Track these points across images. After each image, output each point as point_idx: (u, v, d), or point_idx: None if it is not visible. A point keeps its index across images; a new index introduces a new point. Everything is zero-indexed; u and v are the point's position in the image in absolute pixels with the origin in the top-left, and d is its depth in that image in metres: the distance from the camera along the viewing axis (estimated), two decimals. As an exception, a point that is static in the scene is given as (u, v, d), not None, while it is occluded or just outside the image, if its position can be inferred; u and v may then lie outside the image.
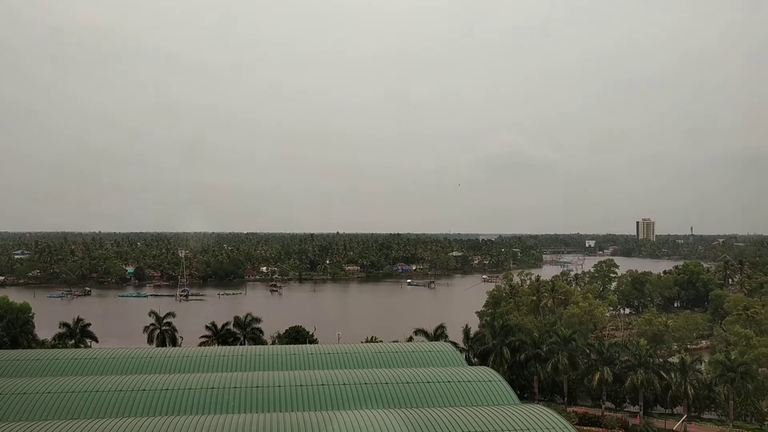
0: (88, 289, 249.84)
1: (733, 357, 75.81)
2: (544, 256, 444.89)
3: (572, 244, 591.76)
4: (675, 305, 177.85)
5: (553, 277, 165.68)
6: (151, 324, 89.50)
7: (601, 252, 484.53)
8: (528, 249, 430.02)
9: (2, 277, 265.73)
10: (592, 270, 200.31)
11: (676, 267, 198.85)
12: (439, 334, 79.60)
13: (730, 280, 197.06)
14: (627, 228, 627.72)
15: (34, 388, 33.38)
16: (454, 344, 69.14)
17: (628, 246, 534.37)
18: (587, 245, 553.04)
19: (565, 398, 78.96)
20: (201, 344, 77.84)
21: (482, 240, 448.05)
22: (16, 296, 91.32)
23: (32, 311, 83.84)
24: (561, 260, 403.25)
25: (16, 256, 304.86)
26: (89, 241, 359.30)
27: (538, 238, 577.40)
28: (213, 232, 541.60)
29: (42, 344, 79.74)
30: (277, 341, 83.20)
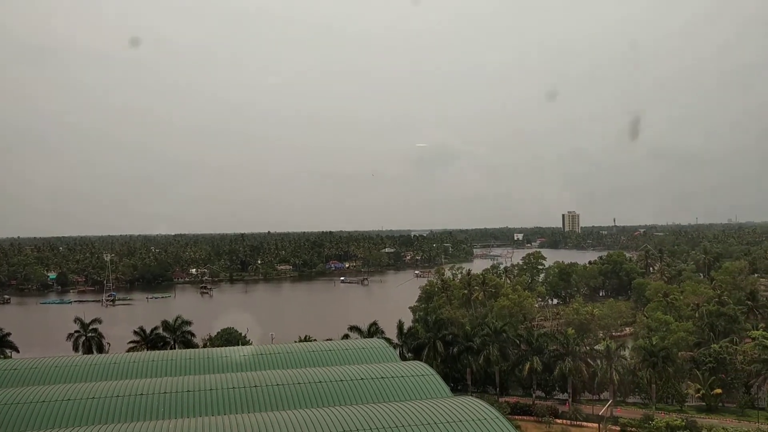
0: (6, 297, 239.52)
1: (654, 342, 79.17)
2: (474, 250, 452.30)
3: (501, 237, 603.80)
4: (600, 294, 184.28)
5: (483, 270, 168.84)
6: (76, 331, 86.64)
7: (529, 245, 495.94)
8: (459, 243, 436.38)
9: None
10: (520, 263, 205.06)
11: (601, 257, 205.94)
12: (373, 331, 79.97)
13: (651, 268, 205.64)
14: (553, 221, 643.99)
15: (-51, 403, 31.84)
16: (388, 340, 69.67)
17: (554, 238, 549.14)
18: (516, 238, 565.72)
19: (497, 389, 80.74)
20: (129, 350, 75.87)
21: (414, 236, 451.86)
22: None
23: (-55, 322, 79.75)
24: (491, 254, 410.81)
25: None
26: (7, 246, 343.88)
27: (468, 232, 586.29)
28: (139, 235, 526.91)
29: (-42, 357, 75.87)
30: (208, 344, 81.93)
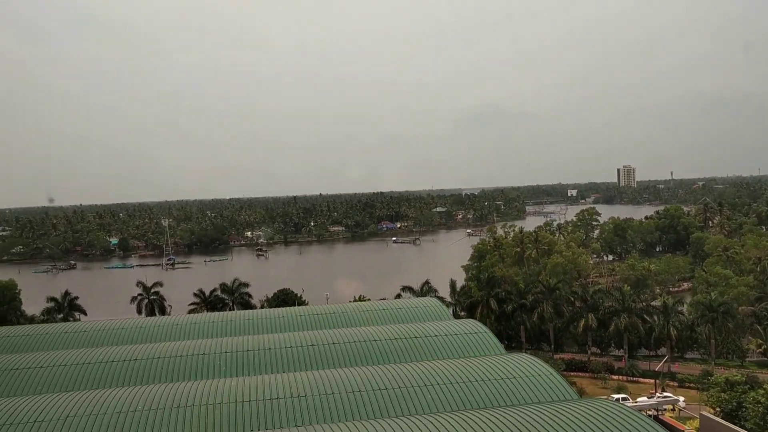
0: (72, 262, 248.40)
1: (713, 297, 77.57)
2: (527, 207, 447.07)
3: (554, 194, 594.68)
4: (657, 250, 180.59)
5: (536, 227, 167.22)
6: (139, 294, 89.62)
7: (583, 201, 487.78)
8: (511, 201, 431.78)
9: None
10: (574, 219, 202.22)
11: (657, 212, 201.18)
12: (426, 290, 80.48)
13: (710, 222, 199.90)
14: (608, 176, 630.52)
15: (25, 363, 33.59)
16: (441, 299, 70.00)
17: (609, 193, 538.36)
18: (569, 195, 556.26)
19: (552, 346, 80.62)
20: (190, 312, 78.22)
21: (465, 194, 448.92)
22: (0, 274, 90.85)
23: (18, 288, 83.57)
24: (544, 211, 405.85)
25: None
26: (70, 214, 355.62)
27: (520, 189, 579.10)
28: (195, 200, 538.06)
29: (31, 320, 79.68)
30: (265, 305, 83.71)
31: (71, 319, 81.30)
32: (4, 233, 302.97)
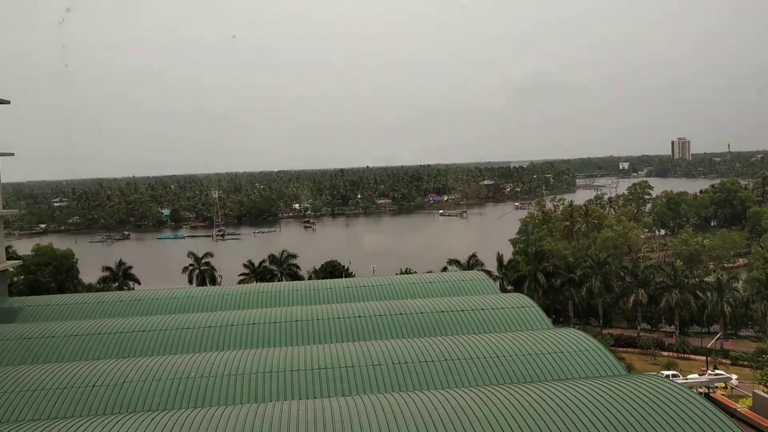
0: (126, 233, 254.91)
1: (770, 274, 75.34)
2: (577, 180, 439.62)
3: (606, 167, 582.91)
4: (712, 225, 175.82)
5: (586, 201, 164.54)
6: (191, 264, 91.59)
7: (635, 174, 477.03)
8: (560, 174, 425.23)
9: (44, 225, 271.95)
10: (626, 192, 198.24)
11: (713, 186, 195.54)
12: (473, 263, 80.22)
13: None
14: (662, 148, 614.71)
15: (83, 330, 34.80)
16: (488, 273, 69.72)
17: (663, 166, 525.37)
18: (621, 167, 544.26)
19: (600, 321, 79.71)
20: (239, 282, 79.68)
21: (513, 167, 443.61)
22: (58, 243, 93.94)
23: (75, 257, 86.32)
24: (594, 184, 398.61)
25: (55, 204, 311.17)
26: (124, 186, 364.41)
27: (570, 162, 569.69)
28: (244, 172, 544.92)
29: (88, 288, 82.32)
30: (313, 276, 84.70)
31: (125, 287, 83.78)
32: (61, 204, 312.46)
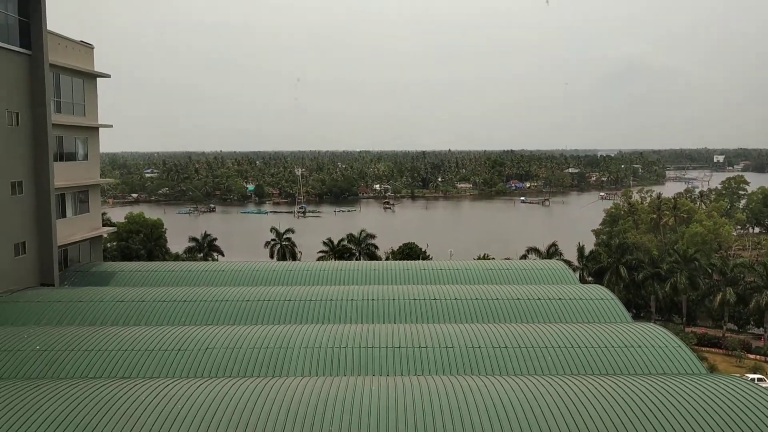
0: (212, 206, 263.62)
1: None
2: (667, 172, 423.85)
3: (699, 159, 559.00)
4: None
5: (675, 194, 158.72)
6: (272, 239, 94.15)
7: (730, 168, 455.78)
8: (650, 165, 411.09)
9: (136, 195, 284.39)
10: (719, 187, 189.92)
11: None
12: (553, 252, 79.11)
13: None
14: (762, 141, 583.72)
15: (171, 296, 36.50)
16: (568, 263, 68.56)
17: (762, 161, 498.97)
18: (715, 161, 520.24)
19: (684, 319, 77.22)
20: (319, 259, 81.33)
21: (600, 156, 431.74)
22: (148, 212, 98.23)
23: (164, 227, 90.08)
24: (685, 177, 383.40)
25: (146, 175, 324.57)
26: (212, 160, 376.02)
27: (661, 153, 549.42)
28: (327, 150, 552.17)
29: (175, 257, 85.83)
30: (390, 257, 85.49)
31: (210, 258, 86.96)
32: (152, 175, 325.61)
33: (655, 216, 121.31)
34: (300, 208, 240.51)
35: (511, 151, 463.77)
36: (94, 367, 26.88)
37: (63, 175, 45.01)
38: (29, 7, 39.62)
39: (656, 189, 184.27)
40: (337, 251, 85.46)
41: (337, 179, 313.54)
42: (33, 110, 40.34)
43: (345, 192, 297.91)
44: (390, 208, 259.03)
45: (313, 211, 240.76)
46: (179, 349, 27.77)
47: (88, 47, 50.09)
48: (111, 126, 53.87)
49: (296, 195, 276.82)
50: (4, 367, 26.81)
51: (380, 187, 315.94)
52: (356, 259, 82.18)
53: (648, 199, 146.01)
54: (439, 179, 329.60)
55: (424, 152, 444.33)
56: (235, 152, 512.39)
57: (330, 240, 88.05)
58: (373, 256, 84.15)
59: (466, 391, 21.46)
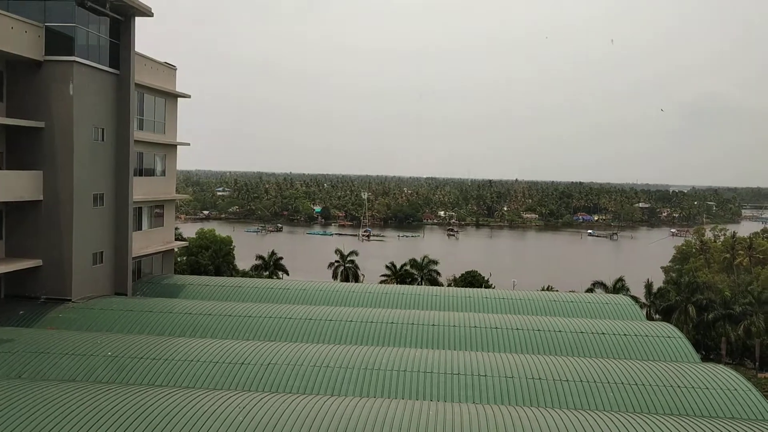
0: (279, 225, 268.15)
1: None
2: (743, 211, 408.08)
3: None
4: None
5: (751, 233, 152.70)
6: (336, 261, 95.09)
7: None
8: (725, 203, 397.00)
9: (207, 212, 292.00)
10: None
11: None
12: (619, 287, 77.27)
13: None
14: None
15: (237, 311, 37.46)
16: (635, 299, 66.85)
17: None
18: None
19: (757, 363, 73.87)
20: (381, 282, 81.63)
21: (673, 191, 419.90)
22: (218, 229, 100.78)
23: (233, 244, 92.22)
24: (763, 216, 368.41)
25: (218, 193, 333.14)
26: (281, 180, 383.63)
27: (737, 191, 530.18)
28: (393, 176, 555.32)
29: (242, 274, 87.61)
30: (452, 284, 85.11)
31: (275, 276, 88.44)
32: (223, 193, 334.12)
33: (728, 255, 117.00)
34: (365, 231, 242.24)
35: (580, 182, 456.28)
36: (161, 375, 27.84)
37: (141, 190, 46.98)
38: (120, 30, 41.89)
39: (731, 227, 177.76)
40: (399, 275, 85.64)
41: (402, 204, 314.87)
42: (117, 127, 42.41)
43: (409, 217, 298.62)
44: (454, 235, 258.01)
45: (377, 235, 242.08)
46: (242, 363, 28.48)
47: (171, 68, 52.39)
48: (188, 144, 55.97)
49: (361, 218, 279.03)
50: (79, 370, 28.07)
51: (445, 213, 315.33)
52: (418, 285, 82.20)
53: (722, 238, 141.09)
54: (505, 208, 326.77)
55: (490, 181, 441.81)
56: (303, 174, 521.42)
57: (393, 264, 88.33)
58: (434, 282, 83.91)
59: (524, 422, 21.28)
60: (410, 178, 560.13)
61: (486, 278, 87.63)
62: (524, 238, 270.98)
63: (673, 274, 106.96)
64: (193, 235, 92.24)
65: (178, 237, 72.04)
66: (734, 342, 74.17)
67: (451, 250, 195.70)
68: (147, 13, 42.55)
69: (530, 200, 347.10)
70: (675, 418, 22.51)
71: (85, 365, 28.44)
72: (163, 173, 52.38)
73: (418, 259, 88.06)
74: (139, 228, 48.22)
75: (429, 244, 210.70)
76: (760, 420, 24.07)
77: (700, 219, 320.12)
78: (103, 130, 41.13)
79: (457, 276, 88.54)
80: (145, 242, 48.83)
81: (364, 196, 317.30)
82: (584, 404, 25.93)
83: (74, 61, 37.68)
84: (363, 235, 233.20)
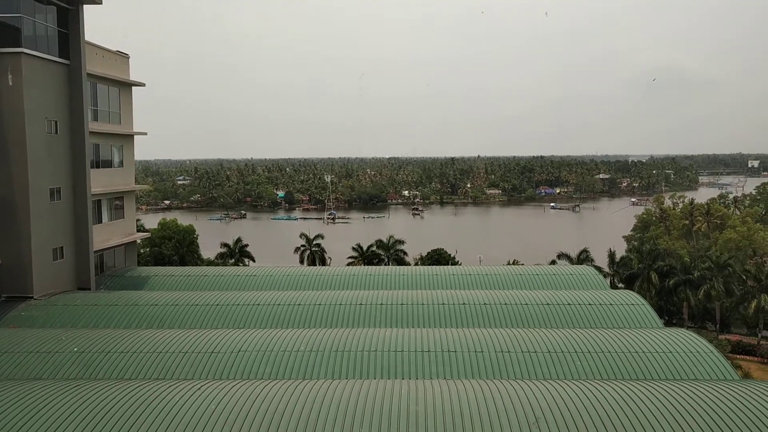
0: (243, 212, 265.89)
1: None
2: (700, 178, 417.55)
3: (733, 164, 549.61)
4: None
5: (709, 199, 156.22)
6: (302, 245, 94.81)
7: (766, 173, 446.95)
8: (682, 170, 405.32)
9: (168, 201, 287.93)
10: (753, 192, 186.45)
11: None
12: (583, 258, 78.58)
13: None
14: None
15: (203, 300, 37.14)
16: (599, 269, 68.05)
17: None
18: (750, 166, 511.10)
19: (717, 326, 76.02)
20: (348, 264, 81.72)
21: (632, 161, 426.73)
22: (181, 219, 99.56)
23: (196, 233, 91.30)
24: (719, 182, 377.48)
25: (178, 182, 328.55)
26: (242, 167, 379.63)
27: (694, 158, 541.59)
28: (356, 158, 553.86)
29: (207, 262, 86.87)
30: (419, 263, 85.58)
31: (241, 264, 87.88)
32: (185, 182, 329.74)
33: (687, 222, 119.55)
34: (329, 214, 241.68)
35: (541, 156, 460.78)
36: (129, 369, 27.53)
37: (99, 182, 46.07)
38: (68, 19, 40.75)
39: (689, 195, 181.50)
40: (366, 257, 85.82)
41: (366, 186, 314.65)
42: (71, 118, 41.42)
43: (374, 198, 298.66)
44: (419, 214, 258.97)
45: (342, 218, 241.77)
46: (212, 352, 28.30)
47: (124, 57, 51.23)
48: (146, 134, 54.96)
49: (326, 201, 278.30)
50: (44, 369, 27.59)
51: (409, 193, 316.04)
52: (385, 265, 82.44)
53: (680, 205, 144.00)
54: (468, 185, 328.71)
55: (452, 158, 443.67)
56: (265, 159, 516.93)
57: (359, 246, 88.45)
58: (401, 262, 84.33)
59: (495, 395, 21.57)
60: (372, 159, 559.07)
61: (452, 255, 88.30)
62: (488, 213, 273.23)
63: (635, 243, 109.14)
64: (156, 226, 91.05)
65: (140, 228, 70.98)
66: (695, 306, 76.16)
67: (417, 229, 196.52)
68: (95, 0, 41.44)
69: (493, 176, 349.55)
70: (641, 383, 23.05)
71: (50, 363, 27.96)
72: (121, 164, 51.41)
73: (385, 240, 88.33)
74: (99, 221, 47.35)
75: (395, 224, 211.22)
76: (722, 380, 24.77)
77: (659, 187, 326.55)
78: (56, 122, 40.14)
79: (424, 254, 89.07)
80: (106, 235, 48.00)
81: (328, 179, 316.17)
82: (552, 374, 26.40)
83: (21, 52, 36.61)
84: (328, 218, 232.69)
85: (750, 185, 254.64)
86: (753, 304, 71.29)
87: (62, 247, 40.96)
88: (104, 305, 37.00)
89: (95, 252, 44.28)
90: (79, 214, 42.15)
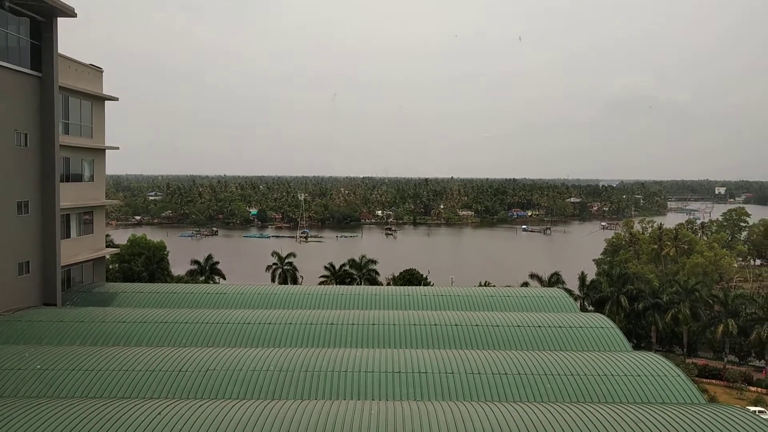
0: (215, 229, 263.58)
1: None
2: (668, 203, 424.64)
3: (700, 191, 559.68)
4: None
5: (677, 225, 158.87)
6: (274, 263, 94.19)
7: (732, 200, 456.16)
8: (651, 195, 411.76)
9: (139, 217, 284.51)
10: (720, 218, 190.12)
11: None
12: (554, 281, 79.17)
13: None
14: (763, 174, 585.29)
15: (173, 318, 36.62)
16: (569, 291, 68.59)
17: (763, 193, 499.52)
18: (717, 192, 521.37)
19: (685, 350, 76.98)
20: (320, 284, 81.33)
21: (602, 186, 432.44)
22: (151, 235, 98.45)
23: (167, 249, 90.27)
24: (687, 208, 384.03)
25: (150, 198, 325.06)
26: (215, 183, 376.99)
27: (662, 184, 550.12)
28: (330, 176, 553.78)
29: (177, 279, 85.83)
30: (391, 283, 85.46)
31: (211, 281, 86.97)
32: (156, 198, 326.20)
33: (656, 246, 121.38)
34: (302, 232, 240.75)
35: (513, 179, 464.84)
36: (95, 387, 26.96)
37: (69, 196, 45.40)
38: (41, 31, 40.35)
39: (658, 219, 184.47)
40: (338, 276, 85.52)
41: (340, 205, 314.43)
42: (42, 131, 40.85)
43: (347, 218, 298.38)
44: (392, 234, 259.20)
45: (315, 236, 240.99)
46: (180, 371, 27.86)
47: (98, 70, 50.81)
48: (118, 148, 54.37)
49: (299, 220, 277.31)
50: (5, 386, 26.89)
51: (382, 213, 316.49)
52: (357, 284, 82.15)
53: (649, 230, 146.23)
54: (441, 206, 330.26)
55: (426, 179, 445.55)
56: (238, 176, 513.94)
57: (331, 265, 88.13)
58: (374, 282, 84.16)
59: (465, 417, 21.53)
60: (346, 178, 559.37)
61: (424, 276, 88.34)
62: (461, 235, 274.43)
63: (605, 266, 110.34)
64: (125, 242, 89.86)
65: (109, 244, 70.02)
66: (663, 330, 77.07)
67: (390, 249, 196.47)
68: (69, 13, 41.06)
69: (466, 198, 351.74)
70: (609, 406, 23.18)
71: (12, 380, 27.27)
72: (92, 178, 50.75)
73: (357, 259, 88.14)
74: (68, 236, 46.60)
75: (368, 243, 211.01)
76: (689, 404, 25.02)
77: (629, 212, 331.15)
78: (26, 135, 39.55)
79: (396, 275, 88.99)
80: (74, 250, 47.22)
81: (301, 197, 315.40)
82: (522, 396, 26.45)
83: (-8, 63, 36.12)
84: (301, 237, 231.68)
85: (717, 211, 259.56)
86: (719, 329, 72.37)
87: (28, 261, 40.17)
88: (70, 321, 36.26)
89: (63, 267, 43.52)
90: (47, 228, 41.43)
